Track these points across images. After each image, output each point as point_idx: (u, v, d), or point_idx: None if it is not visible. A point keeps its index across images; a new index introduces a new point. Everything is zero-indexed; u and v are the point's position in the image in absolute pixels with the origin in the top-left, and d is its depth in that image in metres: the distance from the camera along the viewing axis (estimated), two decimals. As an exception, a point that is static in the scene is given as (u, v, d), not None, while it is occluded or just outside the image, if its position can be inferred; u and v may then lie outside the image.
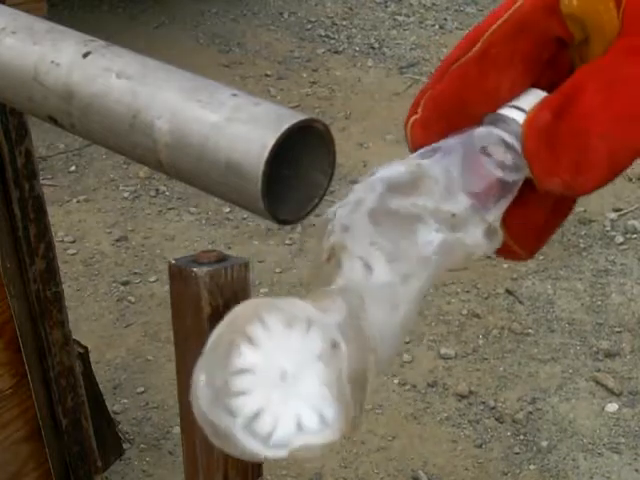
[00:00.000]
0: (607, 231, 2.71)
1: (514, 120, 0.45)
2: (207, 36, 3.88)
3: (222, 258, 0.56)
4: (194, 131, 0.45)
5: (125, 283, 2.52)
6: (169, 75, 0.47)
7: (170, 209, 2.83)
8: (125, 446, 1.96)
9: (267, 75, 3.58)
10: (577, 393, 2.17)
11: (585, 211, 2.72)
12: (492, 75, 0.45)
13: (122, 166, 3.01)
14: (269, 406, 0.39)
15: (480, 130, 0.45)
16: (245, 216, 2.75)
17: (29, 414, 1.43)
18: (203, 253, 0.56)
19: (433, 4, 4.19)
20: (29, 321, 1.38)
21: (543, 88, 0.46)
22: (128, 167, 3.00)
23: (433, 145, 0.45)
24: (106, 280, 2.53)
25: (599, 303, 2.44)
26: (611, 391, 2.17)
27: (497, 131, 0.45)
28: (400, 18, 4.07)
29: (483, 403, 2.15)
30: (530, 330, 2.35)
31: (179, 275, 0.56)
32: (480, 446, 2.04)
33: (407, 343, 2.28)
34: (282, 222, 0.45)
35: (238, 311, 0.41)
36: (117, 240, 2.69)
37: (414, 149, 0.47)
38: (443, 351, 2.28)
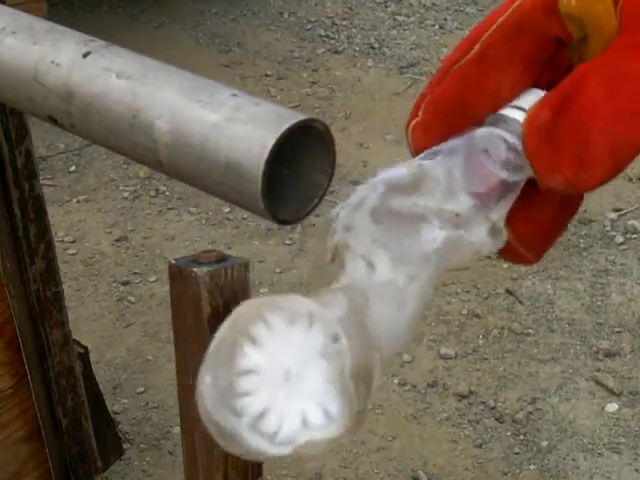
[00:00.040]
0: (607, 231, 2.71)
1: (515, 120, 0.45)
2: (207, 36, 3.88)
3: (222, 258, 0.56)
4: (194, 131, 0.45)
5: (125, 283, 2.52)
6: (169, 75, 0.47)
7: (170, 209, 2.83)
8: (125, 446, 1.96)
9: (267, 75, 3.58)
10: (577, 393, 2.17)
11: (585, 211, 2.73)
12: (492, 76, 0.45)
13: (122, 166, 3.01)
14: (274, 405, 0.40)
15: (481, 131, 0.45)
16: (245, 216, 2.75)
17: (29, 414, 1.43)
18: (203, 253, 0.56)
19: (433, 4, 4.19)
20: (29, 321, 1.38)
21: (543, 88, 0.46)
22: (128, 167, 3.00)
23: (434, 148, 0.45)
24: (106, 280, 2.53)
25: (599, 303, 2.44)
26: (611, 391, 2.17)
27: (498, 131, 0.45)
28: (400, 18, 4.07)
29: (483, 403, 2.15)
30: (530, 330, 2.36)
31: (179, 275, 0.56)
32: (480, 446, 2.04)
33: (407, 343, 2.27)
34: (282, 222, 0.45)
35: (240, 311, 0.41)
36: (117, 240, 2.69)
37: (416, 152, 0.46)
38: (443, 351, 2.28)
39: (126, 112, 0.47)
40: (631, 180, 2.90)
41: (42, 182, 1.37)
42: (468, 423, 2.10)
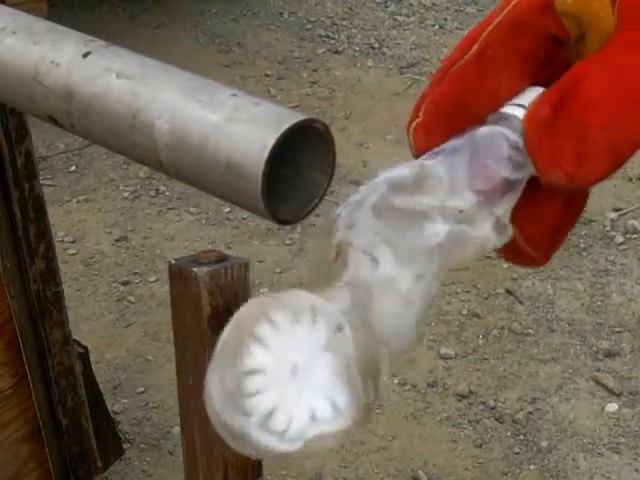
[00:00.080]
0: (607, 231, 2.71)
1: (515, 117, 0.45)
2: (207, 36, 3.88)
3: (222, 258, 0.56)
4: (194, 131, 0.45)
5: (125, 283, 2.52)
6: (169, 75, 0.47)
7: (170, 209, 2.83)
8: (125, 446, 1.96)
9: (267, 75, 3.58)
10: (577, 393, 2.17)
11: (585, 211, 2.72)
12: (491, 75, 0.46)
13: (122, 166, 3.01)
14: (282, 402, 0.40)
15: (483, 129, 0.45)
16: (245, 216, 2.75)
17: (29, 414, 1.43)
18: (203, 253, 0.56)
19: (433, 4, 4.19)
20: (29, 321, 1.38)
21: (542, 87, 0.46)
22: (128, 167, 3.00)
23: (436, 149, 0.45)
24: (106, 280, 2.53)
25: (599, 303, 2.44)
26: (611, 391, 2.17)
27: (500, 129, 0.45)
28: (400, 18, 4.07)
29: (483, 403, 2.15)
30: (530, 330, 2.36)
31: (179, 275, 0.56)
32: (480, 446, 2.04)
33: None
34: (282, 222, 0.45)
35: (245, 311, 0.41)
36: (117, 240, 2.69)
37: (417, 153, 0.47)
38: (443, 351, 2.28)
39: (126, 112, 0.47)
40: (631, 180, 2.90)
41: (42, 182, 1.37)
42: (468, 423, 2.10)
